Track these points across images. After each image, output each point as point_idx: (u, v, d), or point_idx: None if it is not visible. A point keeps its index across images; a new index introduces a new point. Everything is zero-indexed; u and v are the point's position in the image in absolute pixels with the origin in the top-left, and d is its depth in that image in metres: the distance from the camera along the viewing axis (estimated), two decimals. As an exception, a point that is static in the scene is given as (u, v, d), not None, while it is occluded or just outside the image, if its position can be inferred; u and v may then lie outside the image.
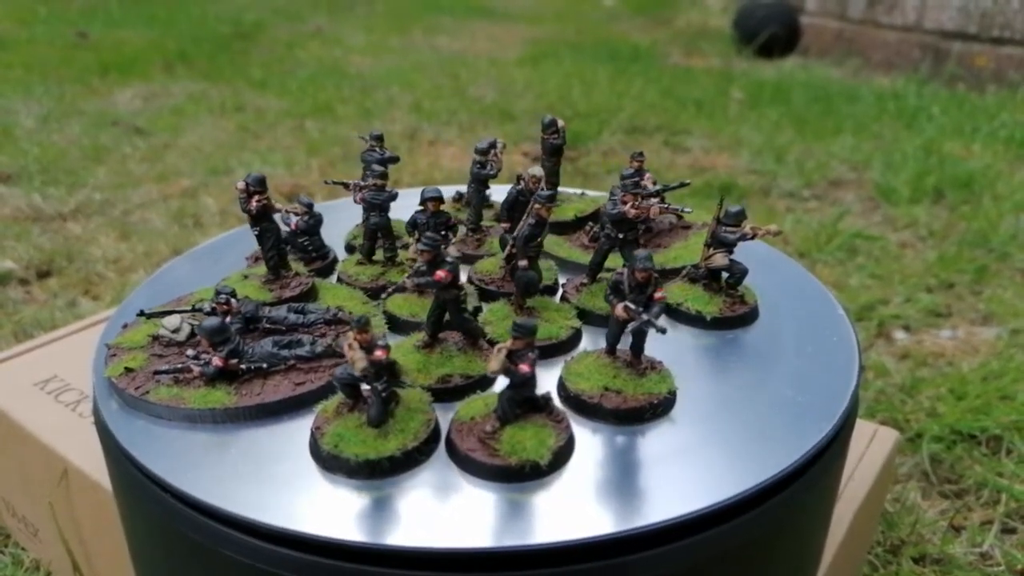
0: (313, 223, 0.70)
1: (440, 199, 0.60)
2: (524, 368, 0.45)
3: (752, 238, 0.61)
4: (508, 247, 0.63)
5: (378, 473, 0.46)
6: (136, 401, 0.52)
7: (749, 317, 0.62)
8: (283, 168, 1.99)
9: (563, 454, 0.47)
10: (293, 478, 0.46)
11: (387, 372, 0.47)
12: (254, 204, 0.63)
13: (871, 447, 0.78)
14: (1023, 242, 1.59)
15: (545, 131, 0.76)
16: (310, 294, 0.65)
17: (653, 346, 0.56)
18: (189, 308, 0.60)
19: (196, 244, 1.48)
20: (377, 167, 0.67)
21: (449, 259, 0.53)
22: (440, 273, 0.51)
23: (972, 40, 2.83)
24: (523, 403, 0.48)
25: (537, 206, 0.57)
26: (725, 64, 3.39)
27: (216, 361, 0.52)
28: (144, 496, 0.48)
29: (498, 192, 0.76)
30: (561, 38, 4.07)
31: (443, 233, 0.61)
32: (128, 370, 0.55)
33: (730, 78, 3.08)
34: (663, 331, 0.49)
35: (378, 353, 0.46)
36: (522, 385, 0.46)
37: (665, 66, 3.36)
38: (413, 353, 0.55)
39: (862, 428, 0.79)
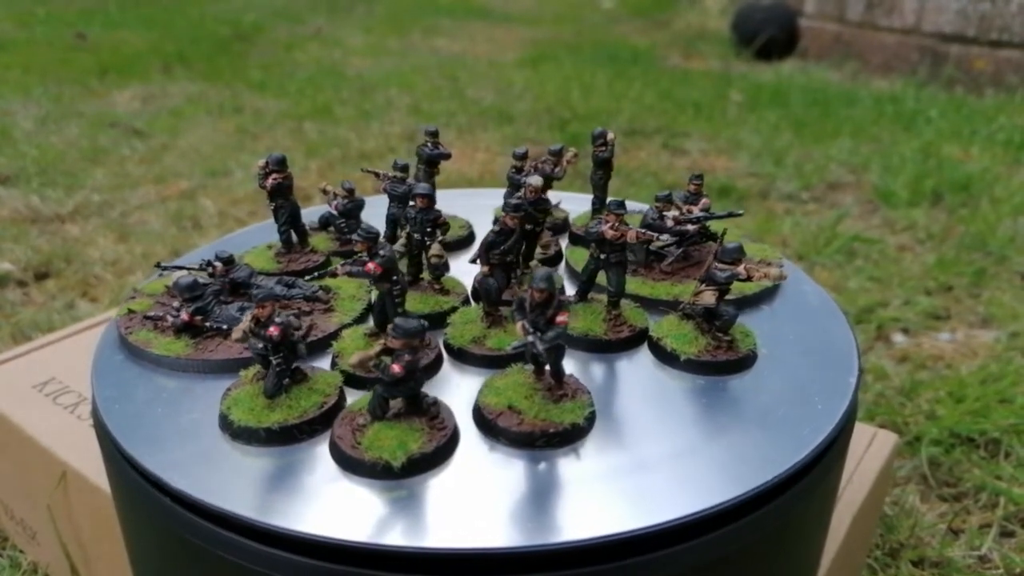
0: (352, 207, 0.72)
1: (429, 196, 0.60)
2: (394, 368, 0.45)
3: (747, 279, 0.55)
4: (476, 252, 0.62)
5: (255, 441, 0.48)
6: (122, 339, 0.59)
7: (735, 365, 0.56)
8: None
9: (427, 461, 0.46)
10: (195, 431, 0.50)
11: (285, 349, 0.49)
12: (269, 182, 0.67)
13: (870, 450, 0.78)
14: (1021, 245, 1.59)
15: (594, 143, 0.74)
16: (316, 271, 0.68)
17: (612, 377, 0.55)
18: (197, 266, 0.64)
19: (195, 246, 1.48)
20: (399, 160, 0.69)
21: (383, 252, 0.53)
22: (370, 265, 0.53)
23: (970, 43, 2.83)
24: (411, 402, 0.48)
25: (503, 215, 0.57)
26: (724, 66, 3.39)
27: (183, 315, 0.57)
28: (143, 498, 0.48)
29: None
30: (560, 40, 4.07)
31: (429, 230, 0.61)
32: (131, 312, 0.62)
33: (729, 80, 3.08)
34: (540, 355, 0.48)
35: (271, 330, 0.48)
36: (393, 384, 0.46)
37: (664, 68, 3.36)
38: (359, 339, 0.56)
39: (861, 431, 0.79)
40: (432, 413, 0.48)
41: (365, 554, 0.42)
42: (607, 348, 0.58)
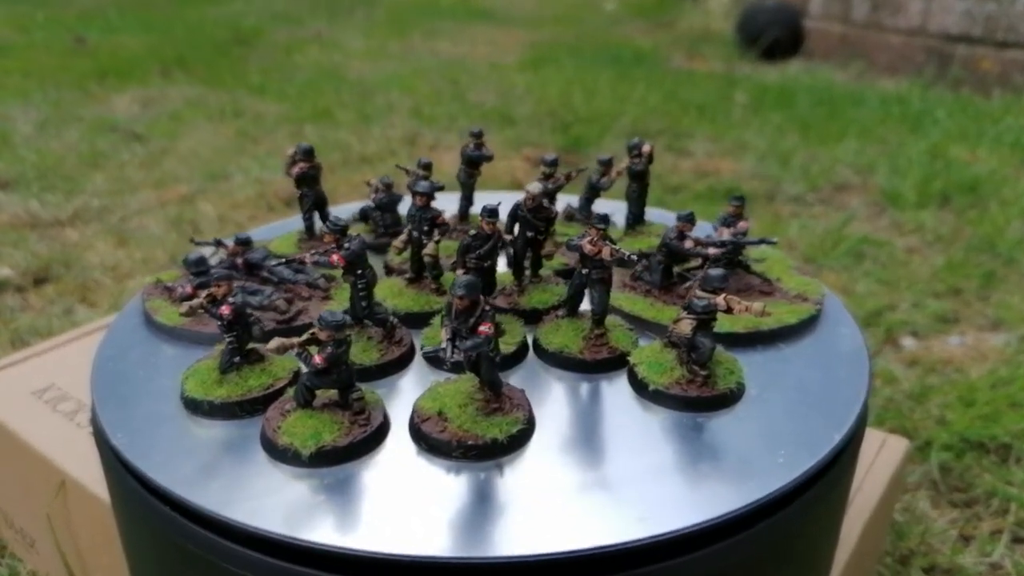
0: (388, 201, 0.75)
1: (428, 195, 0.61)
2: (316, 359, 0.46)
3: (728, 311, 0.51)
4: (457, 256, 0.62)
5: (199, 412, 0.51)
6: (142, 304, 0.65)
7: (707, 402, 0.52)
8: (281, 173, 1.98)
9: (337, 454, 0.47)
10: (159, 395, 0.54)
11: (239, 329, 0.52)
12: (295, 170, 0.71)
13: (880, 456, 0.77)
14: (1030, 247, 1.58)
15: (629, 154, 0.73)
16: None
17: (577, 398, 0.54)
18: (215, 243, 0.69)
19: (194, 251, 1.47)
20: (424, 159, 0.71)
21: (349, 246, 0.54)
22: (334, 257, 0.54)
23: (977, 43, 2.82)
24: (342, 395, 0.49)
25: (480, 219, 0.58)
26: (728, 68, 3.39)
27: (188, 288, 0.61)
28: (142, 506, 0.48)
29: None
30: (562, 42, 4.07)
31: (427, 228, 0.62)
32: (159, 280, 0.68)
33: (733, 82, 3.07)
34: (447, 363, 0.47)
35: (223, 309, 0.51)
36: (316, 375, 0.47)
37: (667, 70, 3.36)
38: None
39: (871, 437, 0.79)
40: (357, 408, 0.49)
41: (246, 536, 0.43)
42: (582, 368, 0.56)
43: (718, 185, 1.94)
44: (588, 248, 0.55)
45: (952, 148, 2.19)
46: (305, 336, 0.47)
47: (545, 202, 0.62)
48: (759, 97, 2.80)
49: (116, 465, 0.50)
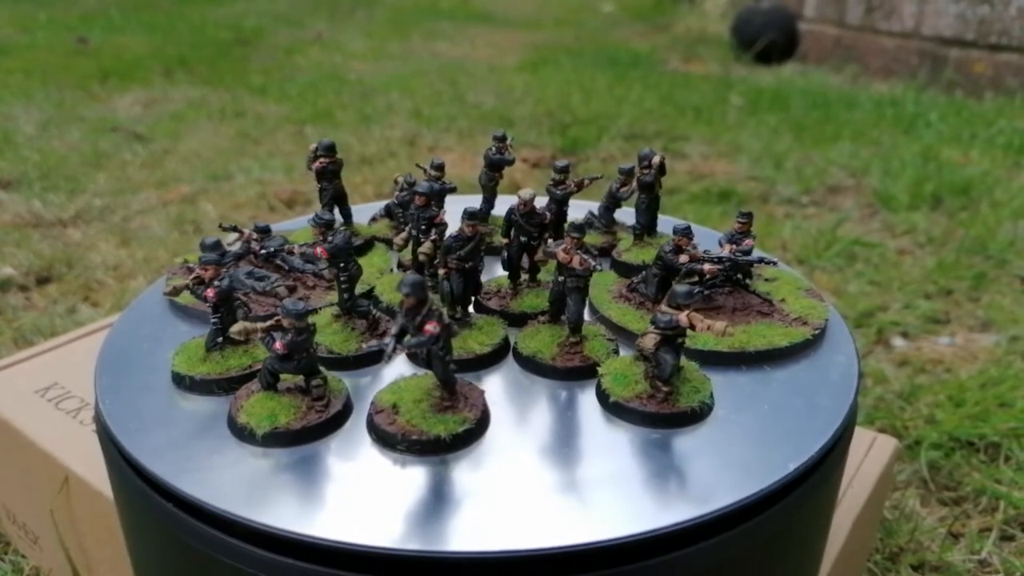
0: (409, 198, 0.75)
1: (427, 195, 0.62)
2: (276, 346, 0.48)
3: (691, 328, 0.49)
4: (440, 256, 0.62)
5: (182, 386, 0.54)
6: (166, 283, 0.66)
7: (664, 419, 0.50)
8: (282, 174, 1.99)
9: (289, 437, 0.48)
10: (156, 367, 0.57)
11: (224, 310, 0.54)
12: (316, 165, 0.73)
13: (870, 454, 0.78)
14: (1021, 249, 1.59)
15: (639, 164, 0.72)
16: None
17: (542, 403, 0.54)
18: (231, 228, 0.71)
19: (196, 250, 1.48)
20: (437, 160, 0.71)
21: (331, 240, 0.56)
22: (318, 249, 0.56)
23: (970, 47, 2.83)
24: (309, 377, 0.50)
25: (462, 222, 0.58)
26: (724, 70, 3.40)
27: (199, 270, 0.62)
28: (145, 501, 0.48)
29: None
30: (560, 44, 4.07)
31: (424, 227, 0.63)
32: (185, 261, 0.71)
33: (729, 84, 3.08)
34: (390, 358, 0.47)
35: (208, 292, 0.53)
36: (278, 359, 0.49)
37: (664, 72, 3.36)
38: (324, 318, 0.59)
39: (861, 435, 0.79)
40: (316, 395, 0.50)
41: (190, 505, 0.45)
42: (552, 374, 0.56)
43: (713, 187, 1.95)
44: (562, 256, 0.55)
45: (945, 150, 2.21)
46: (269, 323, 0.49)
47: (538, 208, 0.62)
48: (754, 100, 2.81)
49: (101, 430, 0.52)
